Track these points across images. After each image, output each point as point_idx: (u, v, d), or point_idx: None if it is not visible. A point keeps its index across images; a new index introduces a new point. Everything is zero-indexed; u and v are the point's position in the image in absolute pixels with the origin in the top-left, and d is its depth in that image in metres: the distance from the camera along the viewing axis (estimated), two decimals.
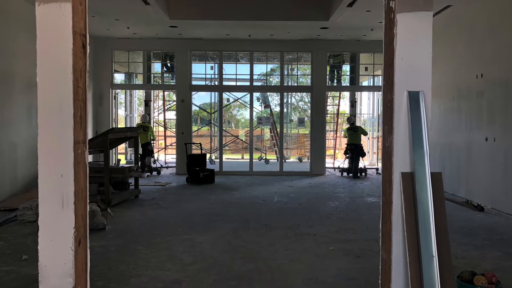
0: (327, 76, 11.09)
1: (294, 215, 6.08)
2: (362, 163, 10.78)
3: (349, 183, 9.50)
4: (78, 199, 2.37)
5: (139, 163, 9.12)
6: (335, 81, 11.96)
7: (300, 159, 14.43)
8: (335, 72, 11.74)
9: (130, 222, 5.66)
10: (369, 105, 14.47)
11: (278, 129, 12.28)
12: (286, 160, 13.52)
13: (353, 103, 12.37)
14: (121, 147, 12.78)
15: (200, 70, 12.14)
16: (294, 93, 17.10)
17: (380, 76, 10.65)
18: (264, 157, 13.84)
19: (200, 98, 13.84)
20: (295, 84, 12.66)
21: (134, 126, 12.20)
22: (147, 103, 12.66)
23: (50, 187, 2.33)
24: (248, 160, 11.15)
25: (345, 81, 12.04)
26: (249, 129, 11.67)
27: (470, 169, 7.26)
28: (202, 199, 7.37)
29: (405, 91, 2.54)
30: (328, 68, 11.15)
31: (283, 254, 4.28)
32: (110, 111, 10.72)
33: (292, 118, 16.68)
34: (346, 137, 10.88)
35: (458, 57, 7.70)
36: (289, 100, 16.21)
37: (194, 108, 12.02)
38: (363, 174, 10.54)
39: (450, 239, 2.57)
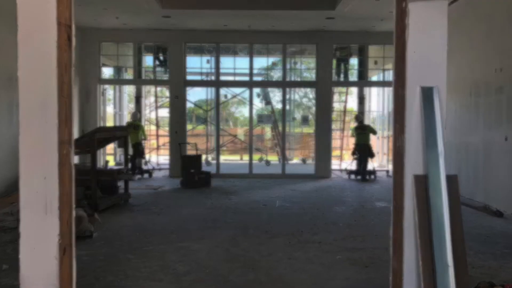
0: (333, 71, 11.10)
1: (297, 221, 6.08)
2: (371, 164, 10.78)
3: (357, 186, 9.51)
4: (63, 203, 2.37)
5: (129, 164, 9.13)
6: (342, 75, 11.97)
7: (304, 161, 14.44)
8: (342, 66, 11.75)
9: (120, 228, 5.66)
10: (378, 101, 14.47)
11: (280, 128, 12.29)
12: (289, 162, 13.53)
13: (361, 100, 12.38)
14: (110, 148, 12.79)
15: (196, 64, 12.11)
16: (297, 88, 17.10)
17: (391, 71, 10.66)
18: (264, 158, 13.85)
19: (195, 94, 13.82)
20: (299, 79, 12.67)
21: (124, 124, 12.21)
22: (138, 99, 12.66)
23: (32, 191, 2.34)
24: (248, 161, 11.15)
25: (353, 76, 12.05)
26: (248, 128, 11.68)
27: (488, 171, 7.26)
28: (198, 204, 7.37)
29: (417, 86, 2.54)
30: (334, 61, 11.15)
31: (285, 264, 4.28)
32: (97, 109, 10.73)
33: (295, 116, 16.69)
34: (353, 136, 10.89)
35: (476, 50, 7.70)
36: (292, 96, 16.22)
37: (188, 105, 12.02)
38: (372, 176, 10.54)
39: (467, 247, 2.57)
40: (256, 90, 13.20)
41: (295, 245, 4.91)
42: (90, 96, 10.65)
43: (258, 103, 14.52)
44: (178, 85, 10.69)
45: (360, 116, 11.17)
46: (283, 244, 4.96)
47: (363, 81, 11.50)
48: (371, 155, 10.61)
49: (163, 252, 4.60)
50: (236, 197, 8.04)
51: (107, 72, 12.71)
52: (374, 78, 12.89)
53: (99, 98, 10.80)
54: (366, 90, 13.26)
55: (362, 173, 10.34)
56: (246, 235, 5.36)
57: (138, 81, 11.64)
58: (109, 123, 13.49)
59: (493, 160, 7.13)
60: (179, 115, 10.72)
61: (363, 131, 10.55)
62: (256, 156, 13.12)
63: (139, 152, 10.51)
